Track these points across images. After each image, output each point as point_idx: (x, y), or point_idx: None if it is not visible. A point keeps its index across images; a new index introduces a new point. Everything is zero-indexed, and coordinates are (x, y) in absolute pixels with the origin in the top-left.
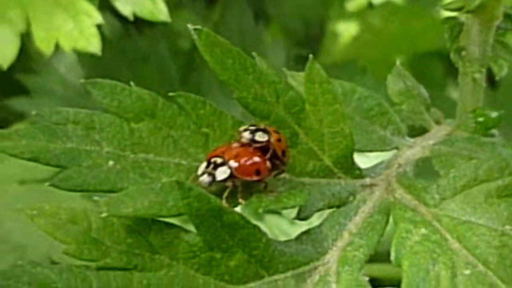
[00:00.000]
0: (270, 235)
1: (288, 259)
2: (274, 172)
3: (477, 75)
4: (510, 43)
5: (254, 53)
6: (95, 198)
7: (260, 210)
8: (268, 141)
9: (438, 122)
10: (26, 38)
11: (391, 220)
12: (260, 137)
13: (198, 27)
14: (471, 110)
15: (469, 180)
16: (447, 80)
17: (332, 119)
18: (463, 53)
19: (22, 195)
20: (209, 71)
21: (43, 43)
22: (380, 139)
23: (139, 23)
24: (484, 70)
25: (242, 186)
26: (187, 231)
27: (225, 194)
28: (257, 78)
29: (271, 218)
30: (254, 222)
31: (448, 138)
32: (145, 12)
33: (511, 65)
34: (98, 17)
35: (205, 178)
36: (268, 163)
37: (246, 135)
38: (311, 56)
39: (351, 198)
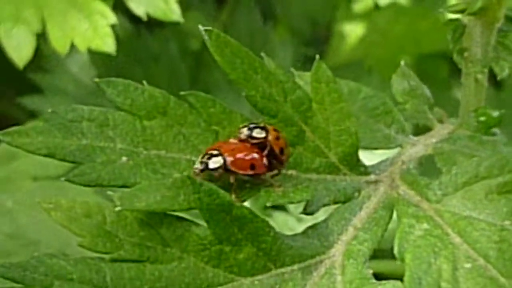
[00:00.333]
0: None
1: (295, 252)
2: (271, 172)
3: (479, 76)
4: (511, 44)
5: (262, 53)
6: (109, 192)
7: (268, 204)
8: (265, 138)
9: (441, 121)
10: (40, 38)
11: (394, 216)
12: (258, 133)
13: (209, 28)
14: (473, 109)
15: (470, 177)
16: (452, 80)
17: (338, 117)
18: (466, 54)
19: (35, 191)
20: (218, 71)
21: (58, 43)
22: (385, 137)
23: (150, 24)
24: (486, 70)
25: (237, 182)
26: (197, 225)
27: (234, 187)
28: (265, 78)
29: (279, 216)
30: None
31: (451, 136)
32: (159, 12)
33: None
34: (112, 17)
35: (198, 166)
36: (265, 160)
37: (244, 131)
38: (317, 56)
39: (356, 194)
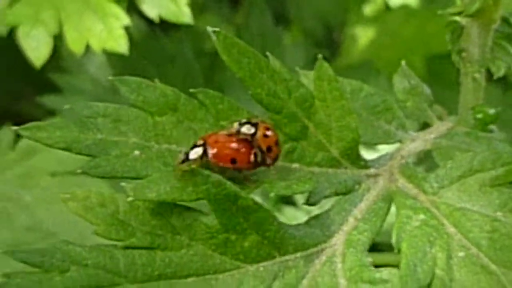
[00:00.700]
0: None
1: (298, 241)
2: (259, 167)
3: (476, 75)
4: (507, 45)
5: (268, 53)
6: (122, 184)
7: (271, 194)
8: (253, 134)
9: (440, 118)
10: (58, 39)
11: (392, 210)
12: (246, 129)
13: (217, 29)
14: (471, 107)
15: (464, 170)
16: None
17: (339, 114)
18: (464, 54)
19: (53, 186)
20: (231, 71)
21: (74, 44)
22: (385, 133)
23: (165, 26)
24: (483, 70)
25: (220, 174)
26: (205, 215)
27: (242, 178)
28: (270, 76)
29: (289, 210)
30: (275, 213)
31: (449, 132)
32: (170, 14)
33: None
34: (126, 19)
35: (180, 156)
36: (251, 156)
37: (235, 125)
38: (320, 56)
39: (356, 187)
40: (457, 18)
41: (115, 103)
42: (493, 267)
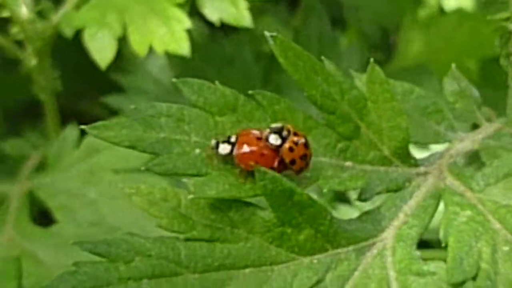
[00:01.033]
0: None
1: (350, 235)
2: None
3: None
4: None
5: (322, 57)
6: (184, 180)
7: (325, 190)
8: (279, 146)
9: (489, 120)
10: (122, 41)
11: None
12: (273, 140)
13: (274, 33)
14: None
15: (510, 169)
16: None
17: (390, 114)
18: None
19: (116, 183)
20: (287, 73)
21: (138, 46)
22: (435, 134)
23: (225, 29)
24: None
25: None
26: (262, 209)
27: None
28: (325, 78)
29: (343, 208)
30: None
31: (496, 133)
32: (230, 18)
33: None
34: (187, 22)
35: (212, 144)
36: (274, 164)
37: (267, 131)
38: (371, 59)
39: (406, 184)
40: (506, 23)
41: (176, 102)
42: None
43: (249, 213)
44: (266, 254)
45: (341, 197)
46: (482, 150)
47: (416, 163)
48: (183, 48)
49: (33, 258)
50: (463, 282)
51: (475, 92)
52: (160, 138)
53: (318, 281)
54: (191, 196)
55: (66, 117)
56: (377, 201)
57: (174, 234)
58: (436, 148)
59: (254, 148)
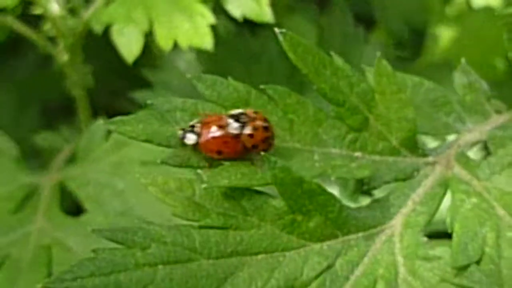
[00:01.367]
0: None
1: (359, 222)
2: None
3: None
4: None
5: (331, 52)
6: (198, 171)
7: (332, 178)
8: (239, 134)
9: (499, 112)
10: (149, 37)
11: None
12: (232, 128)
13: (283, 30)
14: None
15: None
16: None
17: (398, 106)
18: None
19: (143, 175)
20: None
21: (163, 41)
22: (444, 125)
23: (252, 25)
24: None
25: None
26: (273, 197)
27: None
28: (334, 72)
29: (365, 200)
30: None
31: (503, 124)
32: (252, 14)
33: None
34: (211, 18)
35: (179, 134)
36: (237, 148)
37: (226, 118)
38: (378, 53)
39: (415, 173)
40: None
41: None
42: None
43: (261, 201)
44: (277, 240)
45: (363, 191)
46: (490, 140)
47: (424, 153)
48: (207, 43)
49: (63, 247)
50: (467, 266)
51: (484, 85)
52: (175, 132)
53: (328, 266)
54: (204, 186)
55: (100, 112)
56: (386, 190)
57: (189, 222)
58: (447, 138)
59: (216, 136)
